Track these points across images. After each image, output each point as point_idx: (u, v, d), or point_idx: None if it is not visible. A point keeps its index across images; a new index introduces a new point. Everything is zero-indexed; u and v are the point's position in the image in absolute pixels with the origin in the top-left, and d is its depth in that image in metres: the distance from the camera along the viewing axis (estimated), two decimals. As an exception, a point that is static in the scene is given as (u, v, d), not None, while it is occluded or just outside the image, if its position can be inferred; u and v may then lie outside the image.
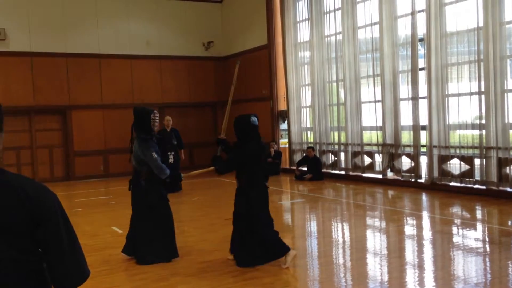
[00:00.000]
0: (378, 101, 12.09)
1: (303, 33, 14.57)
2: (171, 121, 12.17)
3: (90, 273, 1.94)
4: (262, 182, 5.65)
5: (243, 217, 5.57)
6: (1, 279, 1.76)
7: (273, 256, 5.57)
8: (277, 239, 5.59)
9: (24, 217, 1.78)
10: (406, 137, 11.70)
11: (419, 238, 6.99)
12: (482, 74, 9.65)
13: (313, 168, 13.33)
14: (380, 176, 12.16)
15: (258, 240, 5.52)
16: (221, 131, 6.14)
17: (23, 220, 1.78)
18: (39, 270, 1.84)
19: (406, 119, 11.52)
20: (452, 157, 10.44)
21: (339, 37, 13.19)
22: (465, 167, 10.19)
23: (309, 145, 14.28)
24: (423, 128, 11.11)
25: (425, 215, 8.71)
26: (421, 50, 11.21)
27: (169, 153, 11.20)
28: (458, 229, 7.49)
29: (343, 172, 13.31)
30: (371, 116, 12.47)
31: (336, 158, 13.60)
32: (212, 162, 5.81)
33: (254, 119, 5.68)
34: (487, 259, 5.81)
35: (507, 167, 9.36)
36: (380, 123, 12.07)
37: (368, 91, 12.58)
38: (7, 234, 1.76)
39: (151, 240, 5.86)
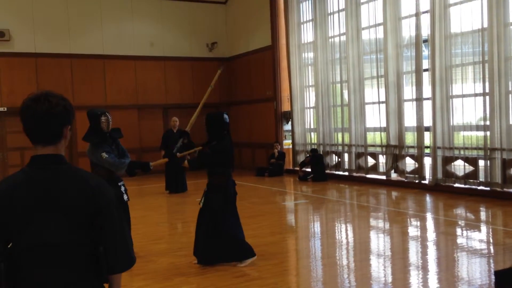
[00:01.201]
0: (382, 102, 12.08)
1: (307, 34, 14.57)
2: (178, 122, 12.18)
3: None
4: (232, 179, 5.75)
5: (215, 213, 5.55)
6: (65, 259, 1.98)
7: (236, 256, 5.62)
8: (243, 240, 5.71)
9: (87, 205, 2.01)
10: (410, 138, 11.68)
11: (423, 239, 6.97)
12: (487, 75, 9.63)
13: (316, 169, 13.30)
14: (384, 177, 12.14)
15: (226, 238, 5.58)
16: (188, 125, 6.11)
17: (87, 208, 2.01)
18: (97, 253, 2.04)
19: (410, 120, 11.49)
20: (456, 158, 10.41)
21: (343, 38, 13.18)
22: (469, 168, 10.16)
23: (308, 146, 14.30)
24: (427, 129, 11.08)
25: (429, 216, 8.69)
26: (425, 51, 11.19)
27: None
28: (462, 230, 7.47)
29: (346, 173, 13.30)
30: (375, 117, 12.45)
31: (339, 159, 13.59)
32: (197, 157, 5.78)
33: (226, 116, 5.77)
34: (491, 261, 5.79)
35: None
36: (384, 124, 12.05)
37: (372, 92, 12.56)
38: (72, 218, 1.99)
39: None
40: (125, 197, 5.91)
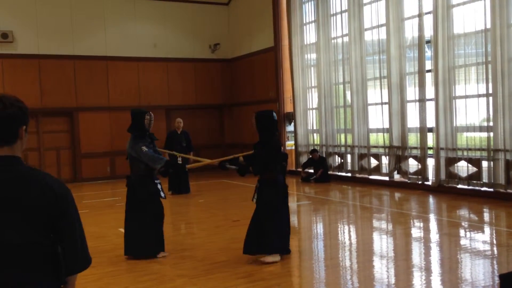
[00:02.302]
0: (385, 103, 12.06)
1: (310, 35, 14.56)
2: (182, 123, 12.20)
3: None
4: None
5: (267, 206, 5.84)
6: (22, 259, 2.01)
7: (271, 249, 5.81)
8: (285, 234, 5.97)
9: (49, 207, 2.05)
10: (413, 139, 11.66)
11: (426, 240, 6.96)
12: (490, 76, 9.61)
13: (319, 169, 13.31)
14: (386, 178, 12.12)
15: (274, 229, 5.80)
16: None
17: (49, 210, 2.05)
18: (56, 253, 2.09)
19: (413, 121, 11.48)
20: (459, 159, 10.39)
21: (346, 39, 13.18)
22: (472, 169, 10.14)
23: (314, 147, 14.29)
24: (430, 130, 11.07)
25: (432, 217, 8.67)
26: (428, 52, 11.17)
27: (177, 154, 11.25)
28: (465, 231, 7.45)
29: (349, 174, 13.28)
30: (377, 118, 12.44)
31: (342, 160, 13.57)
32: (240, 171, 6.15)
33: (275, 114, 6.10)
34: (494, 262, 5.77)
35: (515, 170, 9.31)
36: (387, 125, 12.04)
37: (375, 93, 12.55)
38: (33, 219, 2.02)
39: (138, 234, 6.12)
40: (162, 194, 6.23)
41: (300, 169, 14.23)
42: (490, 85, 9.61)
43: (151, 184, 6.15)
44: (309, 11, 14.57)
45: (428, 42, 11.05)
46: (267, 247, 5.77)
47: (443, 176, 10.64)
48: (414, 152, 11.50)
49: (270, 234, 5.77)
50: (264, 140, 5.96)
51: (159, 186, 6.21)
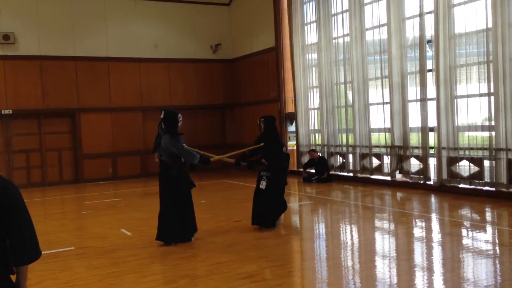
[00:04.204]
0: (386, 102, 12.06)
1: (311, 35, 14.56)
2: None
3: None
4: None
5: (278, 188, 7.75)
6: None
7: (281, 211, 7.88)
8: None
9: None
10: (414, 139, 11.66)
11: (428, 240, 6.95)
12: (491, 75, 9.60)
13: (320, 170, 13.32)
14: (388, 178, 12.12)
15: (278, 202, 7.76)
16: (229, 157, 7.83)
17: None
18: (3, 247, 2.26)
19: (414, 120, 11.47)
20: (461, 158, 10.38)
21: (347, 39, 13.17)
22: (474, 168, 10.13)
23: (313, 147, 14.30)
24: (432, 129, 11.06)
25: (434, 217, 8.67)
26: (429, 52, 11.17)
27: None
28: (467, 231, 7.44)
29: (351, 174, 13.28)
30: (379, 117, 12.43)
31: (344, 160, 13.57)
32: (249, 165, 7.96)
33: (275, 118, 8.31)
34: (497, 261, 5.77)
35: (517, 169, 9.30)
36: (388, 125, 12.04)
37: (376, 92, 12.55)
38: None
39: (176, 222, 6.79)
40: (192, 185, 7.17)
41: (302, 169, 14.24)
42: (492, 84, 9.60)
43: (186, 177, 6.96)
44: (310, 11, 14.57)
45: (429, 41, 11.04)
46: (270, 222, 7.59)
47: (445, 175, 10.64)
48: (416, 151, 11.49)
49: (273, 211, 7.69)
50: (273, 139, 7.71)
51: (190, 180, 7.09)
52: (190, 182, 7.03)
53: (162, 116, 6.90)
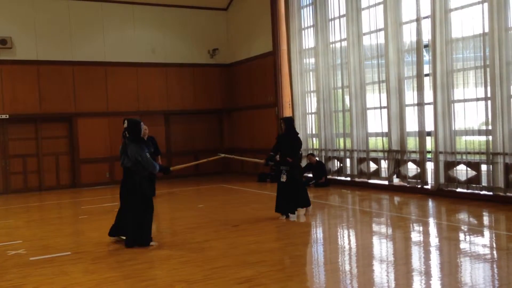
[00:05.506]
0: (384, 107, 12.08)
1: (308, 39, 14.59)
2: (147, 130, 12.21)
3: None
4: None
5: (296, 181, 8.91)
6: None
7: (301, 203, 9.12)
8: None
9: None
10: (412, 143, 11.67)
11: (426, 244, 6.95)
12: (488, 80, 9.63)
13: (318, 174, 13.32)
14: (386, 182, 12.12)
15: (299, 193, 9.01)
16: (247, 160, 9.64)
17: None
18: None
19: (411, 125, 11.49)
20: (458, 163, 10.40)
21: (344, 43, 13.20)
22: (471, 173, 10.14)
23: (313, 151, 14.29)
24: (429, 134, 11.07)
25: (432, 221, 8.67)
26: (427, 56, 11.20)
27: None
28: (465, 235, 7.44)
29: (348, 179, 13.28)
30: (376, 122, 12.45)
31: (341, 165, 13.57)
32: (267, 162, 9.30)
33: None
34: (494, 266, 5.76)
35: (514, 173, 9.31)
36: (385, 129, 12.05)
37: (374, 97, 12.57)
38: None
39: (141, 225, 7.05)
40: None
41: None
42: (489, 88, 9.63)
43: (152, 185, 7.59)
44: (307, 16, 14.60)
45: (426, 46, 11.08)
46: (291, 209, 8.85)
47: (442, 180, 10.64)
48: (413, 156, 11.50)
49: (294, 200, 8.89)
50: (293, 136, 8.88)
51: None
52: (151, 190, 7.48)
53: (125, 125, 7.17)
